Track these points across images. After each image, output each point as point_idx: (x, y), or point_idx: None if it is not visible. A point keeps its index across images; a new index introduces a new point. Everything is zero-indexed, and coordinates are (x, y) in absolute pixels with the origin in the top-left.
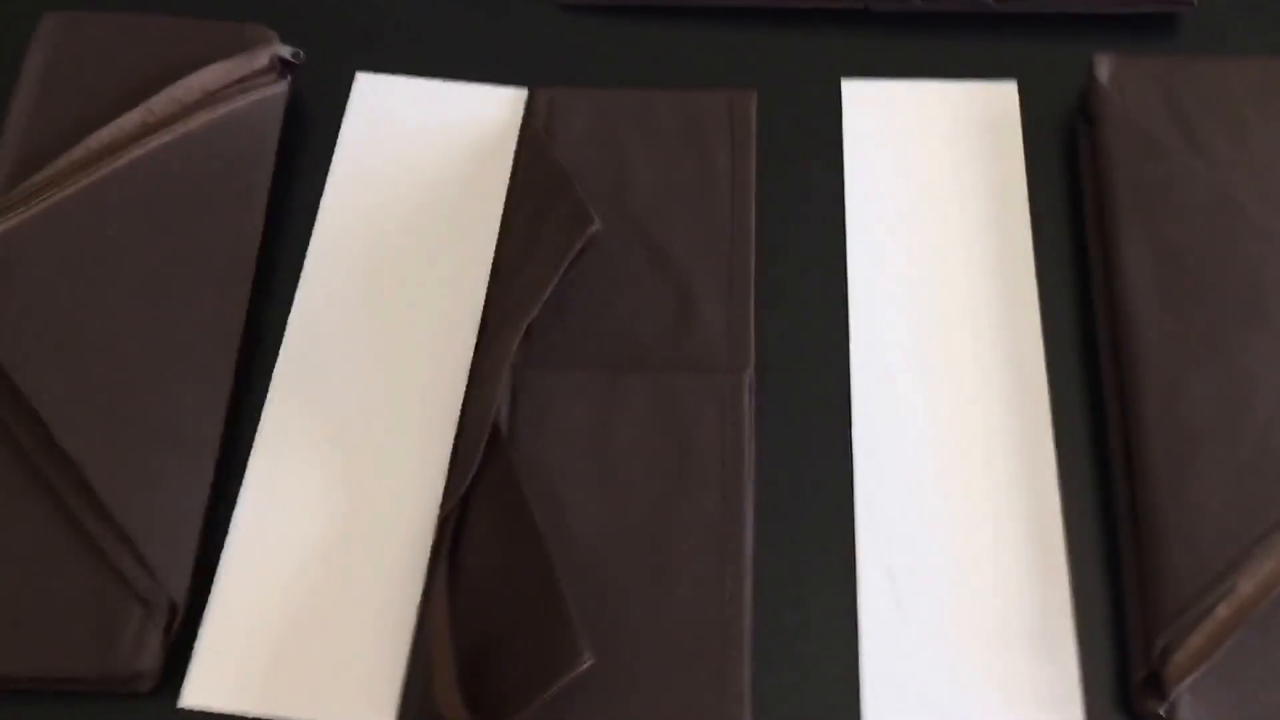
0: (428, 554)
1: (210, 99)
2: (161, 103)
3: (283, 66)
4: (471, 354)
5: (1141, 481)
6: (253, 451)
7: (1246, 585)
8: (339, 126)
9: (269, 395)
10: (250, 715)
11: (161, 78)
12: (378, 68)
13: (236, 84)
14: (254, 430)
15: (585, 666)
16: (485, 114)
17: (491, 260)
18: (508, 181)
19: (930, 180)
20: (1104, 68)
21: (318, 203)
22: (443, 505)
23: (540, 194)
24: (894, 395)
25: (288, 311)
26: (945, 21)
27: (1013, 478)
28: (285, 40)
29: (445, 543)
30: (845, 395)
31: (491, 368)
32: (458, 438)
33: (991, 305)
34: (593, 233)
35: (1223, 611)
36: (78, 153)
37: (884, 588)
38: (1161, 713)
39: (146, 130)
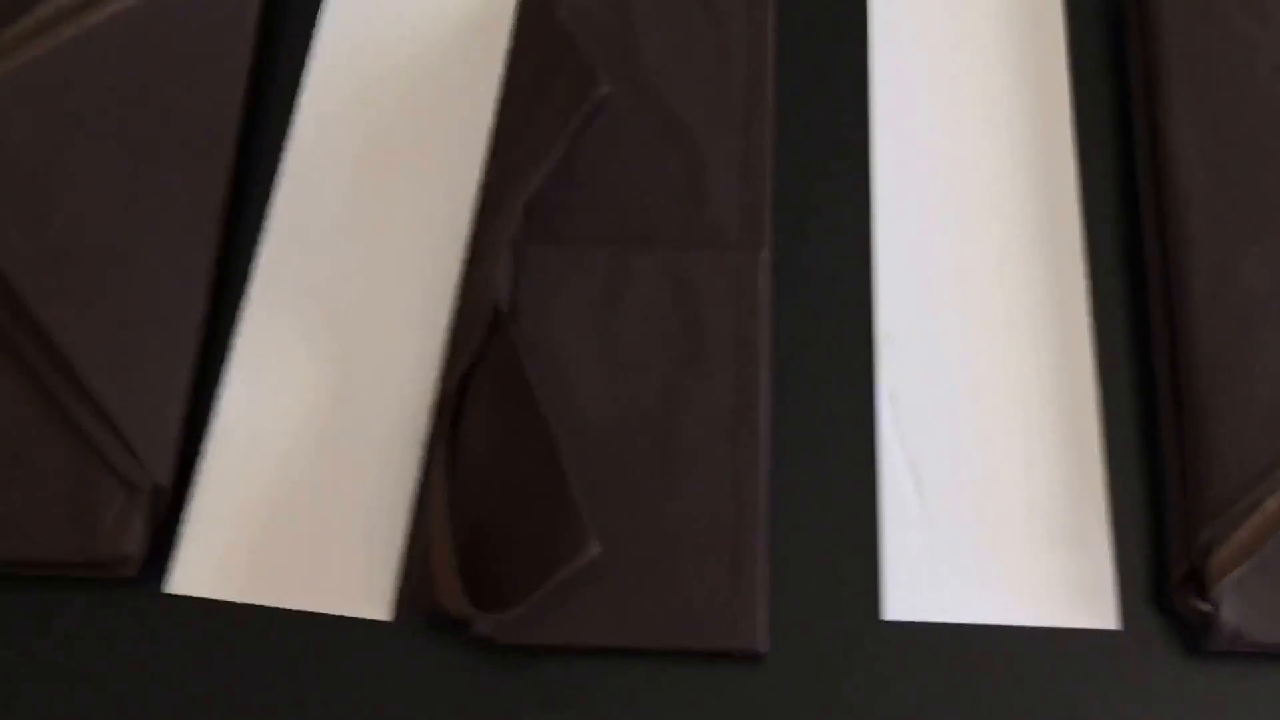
0: (423, 436)
1: None
2: None
3: None
4: (468, 228)
5: (1187, 366)
6: (238, 327)
7: None
8: None
9: (255, 269)
10: (239, 603)
11: None
12: None
13: None
14: (240, 306)
15: (592, 555)
16: None
17: (489, 128)
18: (506, 45)
19: (961, 50)
20: None
21: (303, 66)
22: (441, 385)
23: (541, 57)
24: (919, 277)
25: (274, 183)
26: None
27: (1044, 363)
28: None
29: (445, 424)
30: (867, 277)
31: (492, 243)
32: (456, 316)
33: (1026, 182)
34: (600, 95)
35: (1273, 505)
36: (44, 10)
37: (906, 478)
38: (1203, 610)
39: None
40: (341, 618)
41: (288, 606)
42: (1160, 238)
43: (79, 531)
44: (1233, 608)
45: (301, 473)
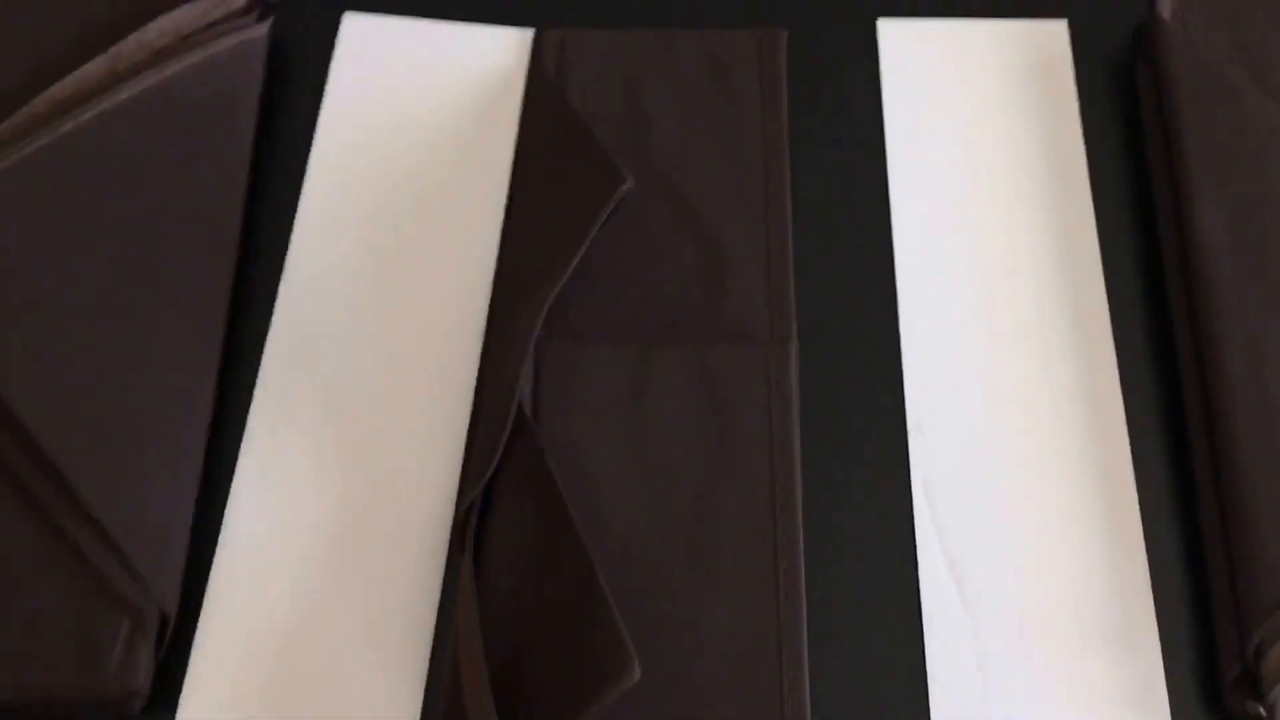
0: (444, 549)
1: (184, 44)
2: (130, 49)
3: (263, 6)
4: (484, 325)
5: (1227, 459)
6: (245, 438)
7: None
8: (326, 73)
9: (260, 374)
10: None
11: (129, 22)
12: (367, 6)
13: (212, 27)
14: (245, 414)
15: (635, 678)
16: (488, 58)
17: (501, 221)
18: (515, 134)
19: (976, 129)
20: (1166, 1)
21: (305, 159)
22: (463, 493)
23: (557, 148)
24: (949, 364)
25: (278, 279)
26: None
27: (1081, 455)
28: None
29: (470, 535)
30: (896, 365)
31: (514, 342)
32: (476, 419)
33: (1051, 263)
34: (625, 190)
35: None
36: (38, 106)
37: (946, 578)
38: (1259, 713)
39: (115, 79)
40: None
41: None
42: (1191, 326)
43: (85, 668)
44: None
45: (314, 593)
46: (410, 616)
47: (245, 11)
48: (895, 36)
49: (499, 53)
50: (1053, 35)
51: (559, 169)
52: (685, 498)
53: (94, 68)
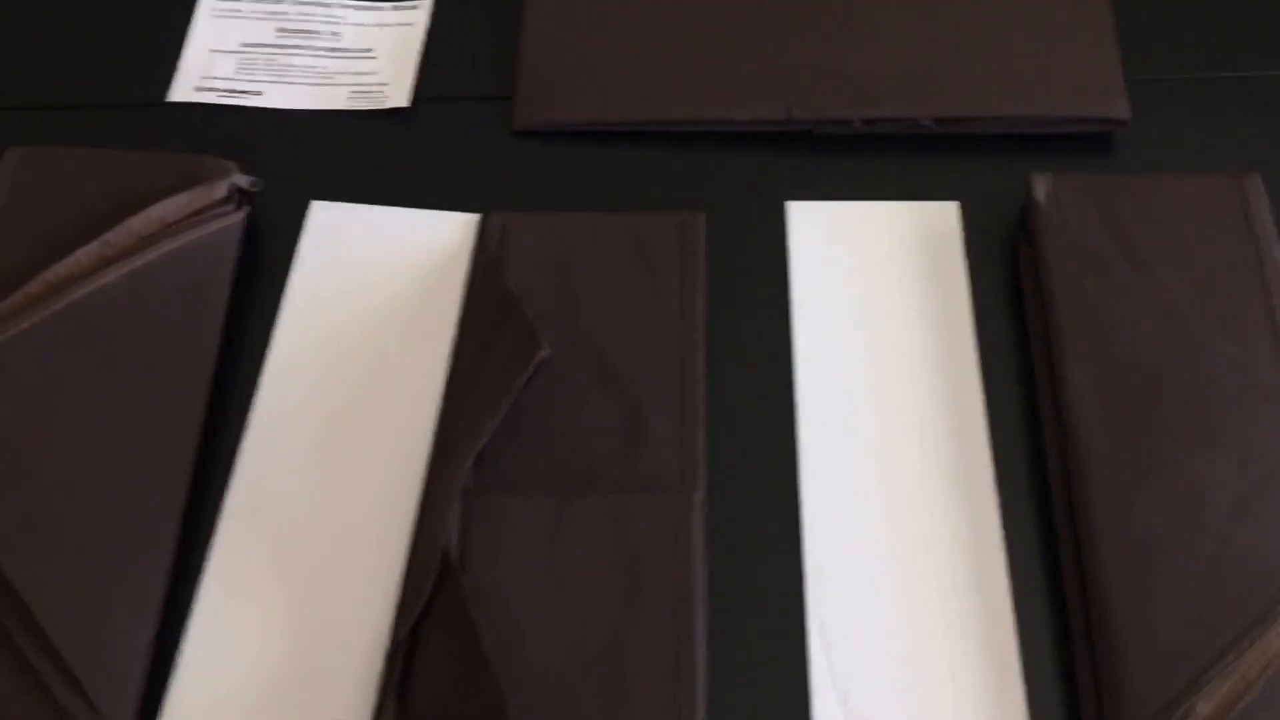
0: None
1: (167, 231)
2: (119, 235)
3: (240, 195)
4: (423, 479)
5: (1095, 601)
6: (202, 580)
7: (1205, 707)
8: (294, 252)
9: (220, 522)
10: None
11: (121, 211)
12: (333, 195)
13: (194, 215)
14: (204, 558)
15: None
16: (438, 239)
17: (444, 385)
18: (460, 306)
19: (876, 300)
20: (1041, 187)
21: (273, 329)
22: (393, 636)
23: (490, 319)
24: (845, 514)
25: (242, 436)
26: (886, 143)
27: (966, 599)
28: (243, 170)
29: (395, 675)
30: (796, 513)
31: (441, 493)
32: (408, 565)
33: (940, 423)
34: (541, 358)
35: None
36: (34, 287)
37: (839, 714)
38: None
39: (103, 263)
40: None
41: None
42: (1063, 476)
43: None
44: None
45: None
46: None
47: (225, 201)
48: (803, 216)
49: (448, 234)
50: (945, 214)
51: (490, 338)
52: (598, 635)
53: (86, 253)
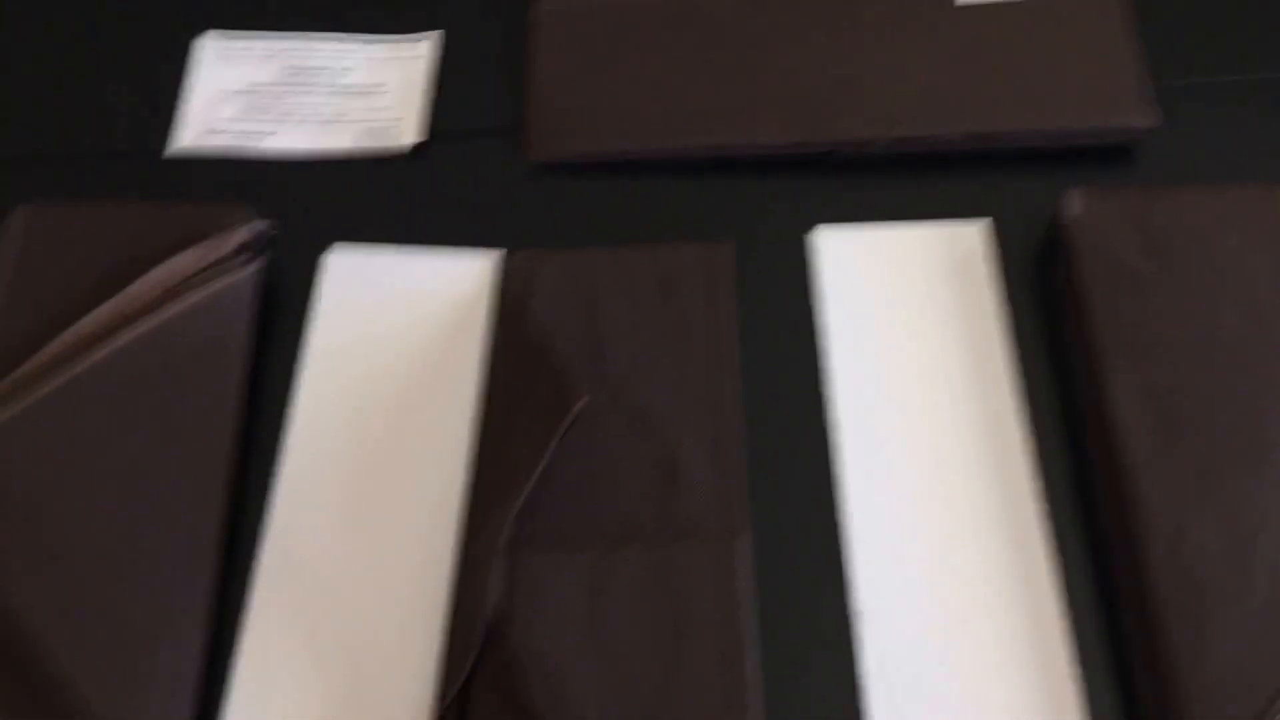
0: None
1: (186, 284)
2: (137, 291)
3: (256, 242)
4: (456, 535)
5: (1155, 635)
6: (238, 650)
7: None
8: (313, 302)
9: (253, 587)
10: None
11: (137, 264)
12: (348, 237)
13: (212, 267)
14: (239, 626)
15: None
16: (460, 280)
17: (472, 434)
18: (485, 349)
19: (910, 324)
20: (1074, 203)
21: (296, 379)
22: (440, 699)
23: (519, 367)
24: (892, 548)
25: (271, 492)
26: (909, 163)
27: (1021, 635)
28: (258, 213)
29: None
30: (841, 551)
31: (482, 553)
32: (450, 628)
33: (982, 450)
34: (579, 408)
35: None
36: (55, 348)
37: None
38: None
39: (123, 320)
40: None
41: None
42: (1114, 507)
43: None
44: None
45: None
46: None
47: (241, 250)
48: (832, 243)
49: (469, 274)
50: (974, 234)
51: (521, 387)
52: (645, 691)
53: (104, 312)
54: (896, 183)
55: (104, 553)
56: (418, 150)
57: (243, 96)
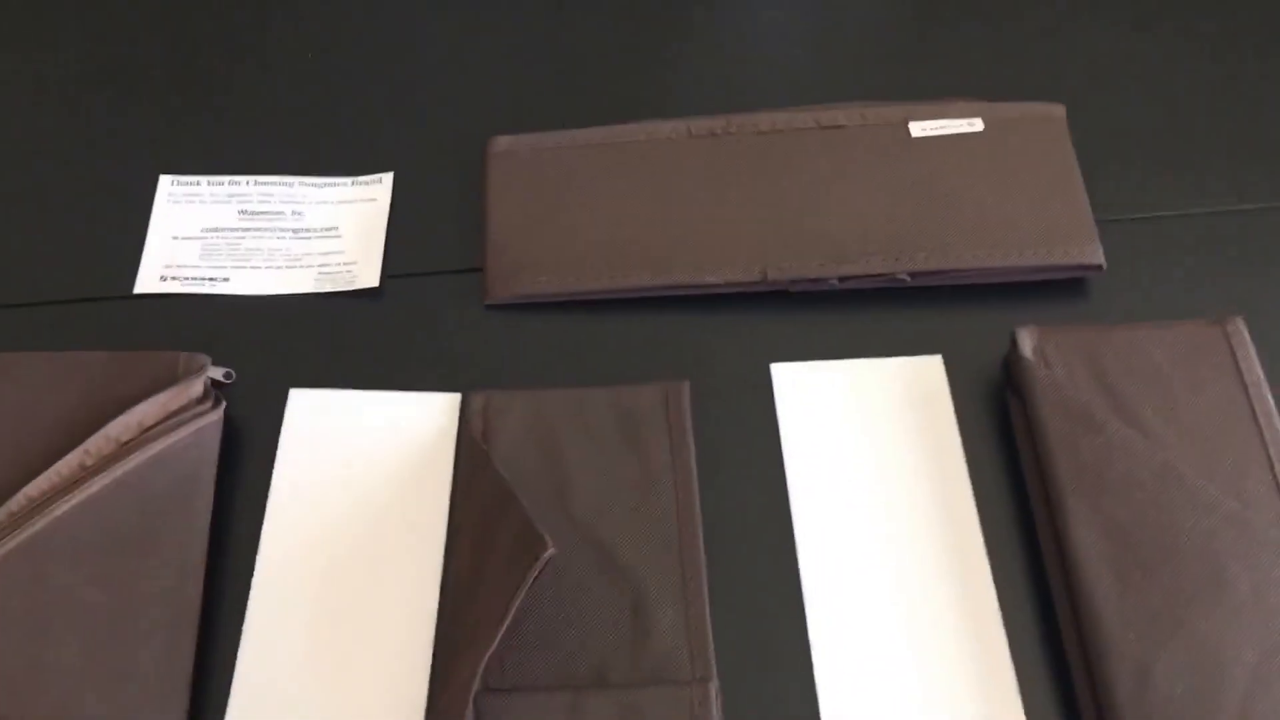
0: None
1: (147, 434)
2: (98, 443)
3: (215, 386)
4: (427, 674)
5: None
6: None
7: None
8: (276, 443)
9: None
10: None
11: (96, 415)
12: (308, 380)
13: (173, 416)
14: None
15: None
16: (421, 421)
17: (440, 574)
18: (449, 490)
19: (869, 457)
20: (1026, 341)
21: (261, 522)
22: None
23: (486, 512)
24: (860, 684)
25: (239, 642)
26: (864, 298)
27: None
28: (216, 360)
29: None
30: (811, 692)
31: (454, 698)
32: None
33: (947, 580)
34: (547, 557)
35: None
36: (16, 503)
37: None
38: None
39: (85, 473)
40: None
41: None
42: (1078, 642)
43: None
44: None
45: None
46: None
47: (202, 398)
48: (787, 377)
49: (429, 415)
50: (929, 368)
51: (489, 532)
52: None
53: (66, 464)
54: (852, 317)
55: (74, 708)
56: (374, 291)
57: (199, 241)
